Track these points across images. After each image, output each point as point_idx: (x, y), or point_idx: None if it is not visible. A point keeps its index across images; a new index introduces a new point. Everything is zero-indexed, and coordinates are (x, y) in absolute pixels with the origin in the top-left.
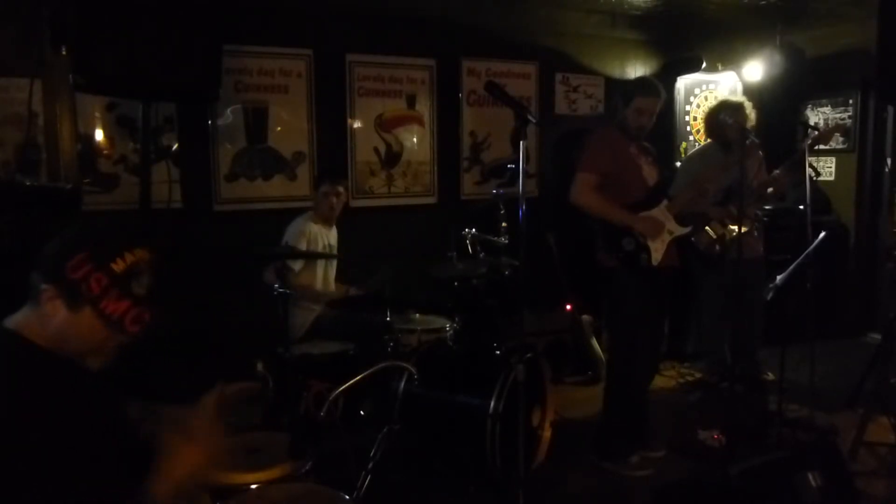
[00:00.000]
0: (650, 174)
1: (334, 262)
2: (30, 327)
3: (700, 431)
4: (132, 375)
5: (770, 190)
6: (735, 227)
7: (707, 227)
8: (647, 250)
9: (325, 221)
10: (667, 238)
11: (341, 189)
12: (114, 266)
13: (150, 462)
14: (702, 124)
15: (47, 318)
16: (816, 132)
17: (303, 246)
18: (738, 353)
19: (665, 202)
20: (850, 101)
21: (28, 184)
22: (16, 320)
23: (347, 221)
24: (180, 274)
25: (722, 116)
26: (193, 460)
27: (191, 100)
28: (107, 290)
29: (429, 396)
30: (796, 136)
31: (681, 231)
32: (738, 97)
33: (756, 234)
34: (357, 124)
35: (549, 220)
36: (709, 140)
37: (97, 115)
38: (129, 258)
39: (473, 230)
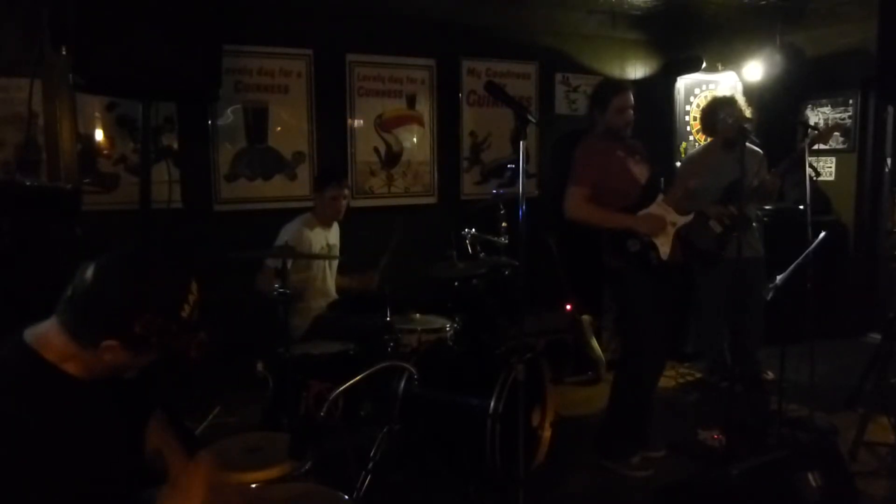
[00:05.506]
0: (641, 173)
1: (335, 263)
2: (57, 352)
3: (700, 431)
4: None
5: (767, 190)
6: (734, 226)
7: (706, 227)
8: (655, 247)
9: (327, 223)
10: (670, 231)
11: (347, 190)
12: (182, 313)
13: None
14: (698, 123)
15: (98, 360)
16: (816, 132)
17: None
18: (738, 352)
19: (661, 196)
20: (850, 101)
21: (28, 184)
22: (36, 337)
23: (347, 221)
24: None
25: (722, 116)
26: (205, 489)
27: (191, 100)
28: (175, 334)
29: (429, 396)
30: (796, 136)
31: (683, 220)
32: (729, 92)
33: (756, 233)
34: (357, 124)
35: (549, 220)
36: (710, 139)
37: (97, 115)
38: (192, 298)
39: (473, 230)
